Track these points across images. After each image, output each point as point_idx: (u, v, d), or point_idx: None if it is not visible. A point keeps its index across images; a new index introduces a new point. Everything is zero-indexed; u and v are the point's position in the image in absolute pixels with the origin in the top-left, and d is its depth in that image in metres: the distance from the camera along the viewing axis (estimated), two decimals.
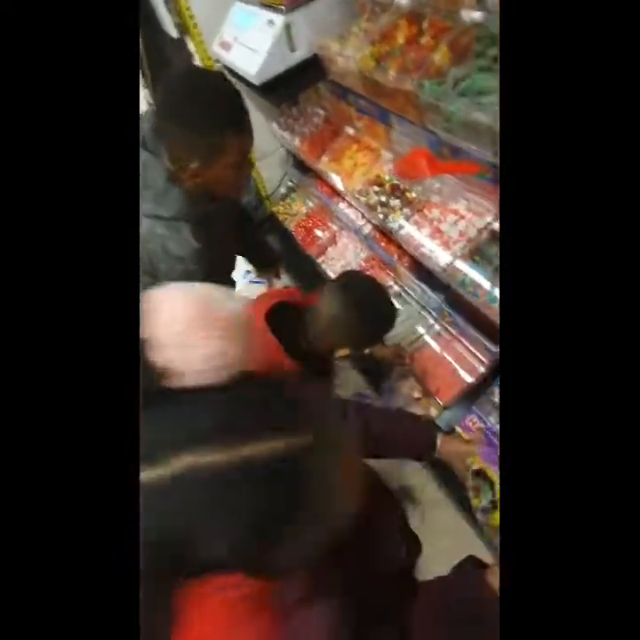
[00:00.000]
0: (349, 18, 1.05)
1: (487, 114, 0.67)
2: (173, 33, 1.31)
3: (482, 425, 1.04)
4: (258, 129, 1.54)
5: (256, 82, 1.08)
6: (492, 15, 0.71)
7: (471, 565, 0.48)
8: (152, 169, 0.71)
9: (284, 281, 1.49)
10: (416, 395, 1.25)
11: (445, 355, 1.16)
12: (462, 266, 0.90)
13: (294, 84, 1.13)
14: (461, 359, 1.13)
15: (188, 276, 0.76)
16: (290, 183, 1.80)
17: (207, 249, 0.78)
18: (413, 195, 1.06)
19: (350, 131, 1.26)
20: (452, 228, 0.97)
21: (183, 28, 1.27)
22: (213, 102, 0.66)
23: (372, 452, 0.68)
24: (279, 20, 1.01)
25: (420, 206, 1.04)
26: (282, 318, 0.73)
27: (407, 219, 1.04)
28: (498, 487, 0.57)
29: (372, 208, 1.10)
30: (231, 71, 1.25)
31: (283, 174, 1.76)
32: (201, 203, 0.76)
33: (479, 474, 0.61)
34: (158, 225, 0.74)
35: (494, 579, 0.44)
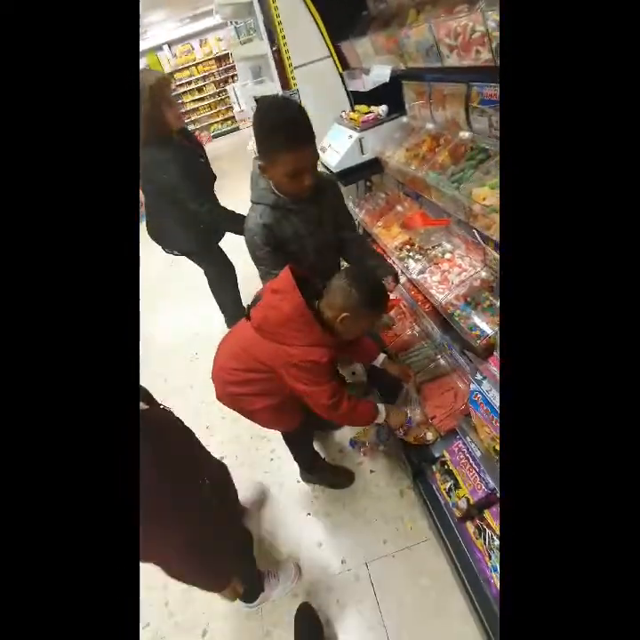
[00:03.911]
0: (405, 135, 1.53)
1: (462, 194, 1.01)
2: None
3: (464, 447, 1.18)
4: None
5: (334, 171, 1.59)
6: (478, 135, 1.08)
7: None
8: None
9: None
10: (418, 417, 1.42)
11: (443, 385, 1.35)
12: (456, 302, 1.17)
13: (360, 174, 1.61)
14: (458, 392, 1.31)
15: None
16: None
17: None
18: (433, 253, 1.38)
19: (399, 208, 1.68)
20: (456, 277, 1.25)
21: None
22: (279, 127, 0.94)
23: None
24: (355, 134, 1.53)
25: (436, 261, 1.35)
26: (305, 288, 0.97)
27: (424, 269, 1.35)
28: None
29: (402, 260, 1.44)
30: (323, 165, 1.81)
31: None
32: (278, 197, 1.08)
33: None
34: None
35: None
